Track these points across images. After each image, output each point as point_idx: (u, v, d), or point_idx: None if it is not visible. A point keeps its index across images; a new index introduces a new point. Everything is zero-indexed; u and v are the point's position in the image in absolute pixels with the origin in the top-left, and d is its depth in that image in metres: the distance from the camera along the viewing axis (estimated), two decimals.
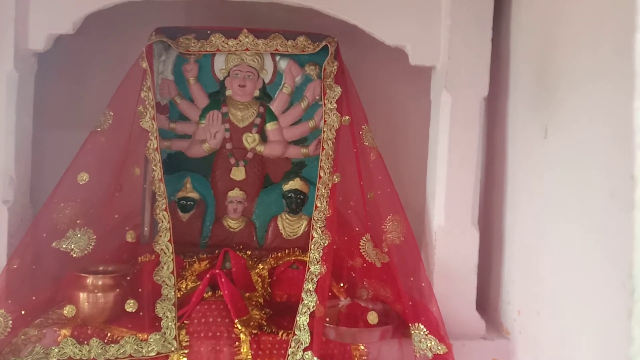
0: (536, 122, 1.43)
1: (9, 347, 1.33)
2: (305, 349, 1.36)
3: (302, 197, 1.75)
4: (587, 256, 1.17)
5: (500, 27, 1.63)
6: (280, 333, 1.40)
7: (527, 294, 1.48)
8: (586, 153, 1.20)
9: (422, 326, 1.40)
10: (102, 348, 1.34)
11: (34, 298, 1.43)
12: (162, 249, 1.50)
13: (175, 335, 1.37)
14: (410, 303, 1.45)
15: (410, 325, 1.41)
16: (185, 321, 1.40)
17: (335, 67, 1.64)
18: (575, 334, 1.21)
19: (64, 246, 1.44)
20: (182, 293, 1.50)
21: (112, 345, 1.35)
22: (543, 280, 1.37)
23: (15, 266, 1.41)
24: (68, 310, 1.39)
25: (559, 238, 1.30)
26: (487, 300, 1.69)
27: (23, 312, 1.39)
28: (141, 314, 1.41)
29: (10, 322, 1.35)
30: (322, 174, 1.56)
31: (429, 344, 1.38)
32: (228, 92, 1.75)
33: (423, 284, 1.49)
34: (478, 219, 1.60)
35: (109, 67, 1.75)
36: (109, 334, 1.37)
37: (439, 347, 1.37)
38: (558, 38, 1.35)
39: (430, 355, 1.38)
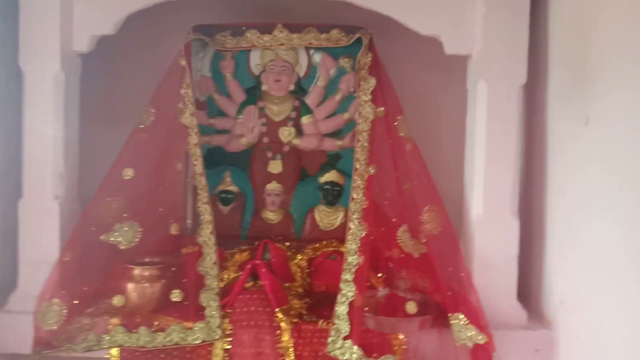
0: (576, 110, 1.40)
1: (64, 334, 1.40)
2: (345, 338, 1.37)
3: (338, 189, 1.76)
4: (629, 245, 1.15)
5: (537, 13, 1.60)
6: (320, 322, 1.42)
7: (569, 283, 1.45)
8: (626, 141, 1.17)
9: (462, 316, 1.39)
10: (150, 336, 1.40)
11: (85, 288, 1.49)
12: (204, 241, 1.54)
13: (219, 324, 1.41)
14: (450, 293, 1.45)
15: (449, 315, 1.41)
16: (228, 310, 1.44)
17: (370, 59, 1.63)
18: (619, 324, 1.19)
19: (111, 239, 1.50)
20: (224, 283, 1.54)
21: (160, 333, 1.40)
22: (587, 269, 1.35)
23: (67, 258, 1.48)
24: (117, 300, 1.45)
25: (601, 227, 1.28)
26: (528, 290, 1.66)
27: (76, 302, 1.46)
28: (186, 303, 1.46)
29: (65, 311, 1.42)
30: (357, 166, 1.56)
31: (469, 334, 1.38)
32: (264, 87, 1.78)
33: (462, 274, 1.48)
34: (518, 209, 1.58)
35: (149, 66, 1.80)
36: (156, 323, 1.42)
37: (479, 337, 1.37)
38: (597, 22, 1.32)
39: (470, 345, 1.38)
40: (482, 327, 1.38)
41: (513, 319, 1.53)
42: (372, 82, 1.61)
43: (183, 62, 1.61)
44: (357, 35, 1.66)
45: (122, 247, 1.49)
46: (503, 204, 1.56)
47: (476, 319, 1.39)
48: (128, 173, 1.54)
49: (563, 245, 1.50)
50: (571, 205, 1.45)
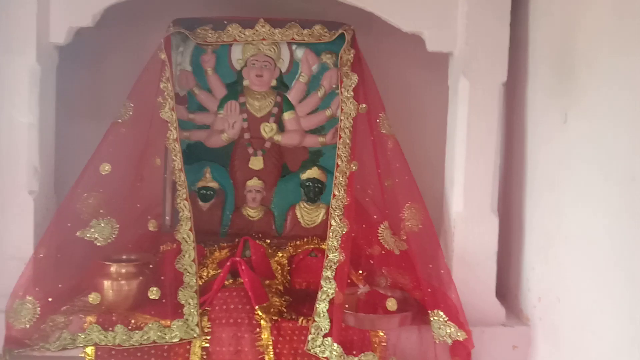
0: (556, 107, 1.42)
1: (38, 333, 1.37)
2: (325, 335, 1.37)
3: (319, 185, 1.76)
4: (608, 241, 1.16)
5: (518, 12, 1.61)
6: (300, 320, 1.42)
7: (547, 280, 1.47)
8: (607, 137, 1.18)
9: (441, 313, 1.40)
10: (126, 334, 1.37)
11: (60, 286, 1.46)
12: (183, 238, 1.52)
13: (198, 322, 1.39)
14: (429, 290, 1.45)
15: (429, 312, 1.42)
16: (207, 308, 1.43)
17: (352, 55, 1.63)
18: (596, 320, 1.20)
19: (88, 235, 1.47)
20: (203, 280, 1.52)
21: (136, 331, 1.38)
22: (563, 266, 1.37)
23: (41, 255, 1.45)
24: (93, 298, 1.42)
25: (580, 223, 1.29)
26: (506, 287, 1.68)
27: (50, 300, 1.43)
28: (164, 301, 1.44)
29: (39, 309, 1.39)
30: (339, 163, 1.56)
31: (449, 331, 1.38)
32: (245, 82, 1.76)
33: (442, 271, 1.49)
34: (497, 206, 1.59)
35: (129, 59, 1.78)
36: (133, 321, 1.40)
37: (459, 334, 1.37)
38: (578, 21, 1.33)
39: (449, 341, 1.38)
40: (461, 323, 1.38)
41: (492, 315, 1.54)
42: (355, 78, 1.61)
43: (163, 56, 1.59)
44: (339, 32, 1.65)
45: (98, 244, 1.47)
46: (483, 201, 1.56)
47: (455, 315, 1.39)
48: (105, 168, 1.51)
49: (541, 243, 1.52)
50: (550, 203, 1.47)
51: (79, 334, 1.37)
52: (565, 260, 1.35)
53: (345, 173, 1.55)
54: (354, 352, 1.36)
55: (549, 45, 1.50)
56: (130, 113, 1.57)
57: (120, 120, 1.56)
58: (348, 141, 1.58)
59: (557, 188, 1.42)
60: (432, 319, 1.41)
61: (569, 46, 1.37)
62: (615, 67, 1.16)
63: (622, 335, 1.10)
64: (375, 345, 1.40)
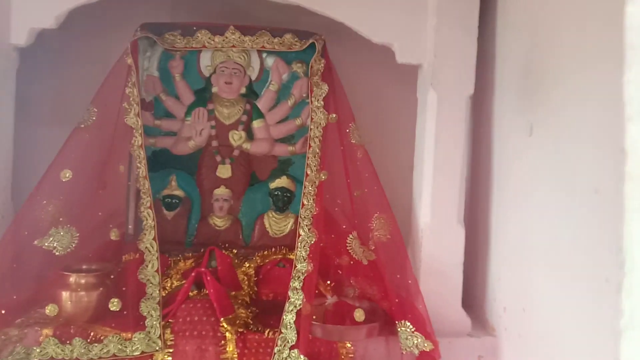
0: (522, 120, 1.44)
1: None
2: (291, 347, 1.35)
3: (288, 195, 1.74)
4: (573, 252, 1.18)
5: (486, 26, 1.65)
6: (267, 331, 1.39)
7: (512, 290, 1.49)
8: (571, 149, 1.21)
9: (408, 323, 1.40)
10: (85, 347, 1.32)
11: (15, 297, 1.40)
12: (146, 247, 1.48)
13: (160, 334, 1.35)
14: (397, 300, 1.45)
15: (396, 322, 1.42)
16: (170, 320, 1.39)
17: (322, 65, 1.63)
18: (561, 330, 1.22)
19: (46, 244, 1.41)
20: (167, 292, 1.48)
21: (96, 344, 1.33)
22: (529, 276, 1.38)
23: None
24: (50, 310, 1.36)
25: (545, 234, 1.31)
26: (473, 298, 1.69)
27: (3, 312, 1.36)
28: (125, 313, 1.39)
29: None
30: (309, 172, 1.55)
31: (416, 341, 1.38)
32: (214, 89, 1.73)
33: (410, 282, 1.49)
34: (464, 217, 1.61)
35: (93, 63, 1.73)
36: (92, 334, 1.35)
37: (426, 344, 1.37)
38: (543, 34, 1.36)
39: (416, 352, 1.38)
40: (428, 334, 1.38)
41: (458, 326, 1.55)
42: (325, 88, 1.61)
43: (129, 61, 1.56)
44: (310, 41, 1.65)
45: (57, 253, 1.41)
46: (450, 212, 1.58)
47: (422, 326, 1.39)
48: (66, 175, 1.46)
49: (507, 254, 1.54)
50: (515, 215, 1.49)
51: (34, 348, 1.31)
52: (531, 270, 1.37)
53: (315, 182, 1.54)
54: None
55: (515, 58, 1.53)
56: (94, 118, 1.53)
57: (83, 126, 1.52)
58: (318, 150, 1.57)
59: (523, 199, 1.44)
60: (399, 329, 1.40)
61: (534, 58, 1.40)
62: (580, 82, 1.19)
63: (587, 346, 1.12)
64: (343, 357, 1.38)
